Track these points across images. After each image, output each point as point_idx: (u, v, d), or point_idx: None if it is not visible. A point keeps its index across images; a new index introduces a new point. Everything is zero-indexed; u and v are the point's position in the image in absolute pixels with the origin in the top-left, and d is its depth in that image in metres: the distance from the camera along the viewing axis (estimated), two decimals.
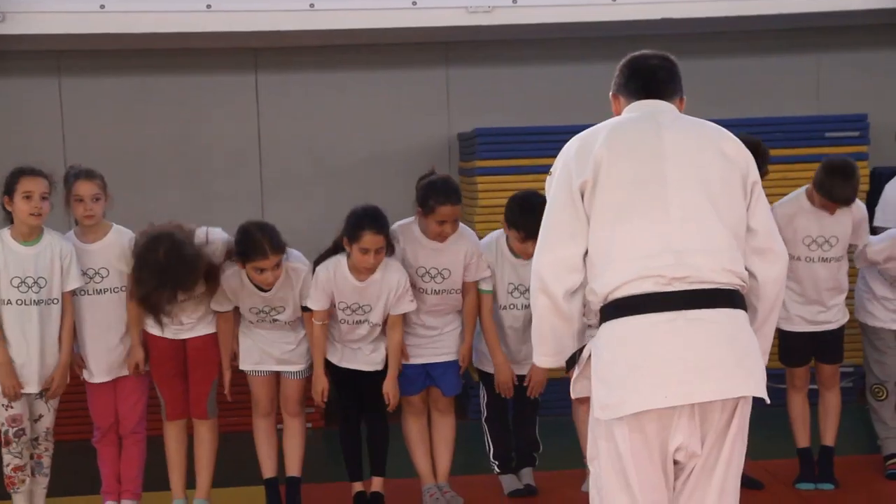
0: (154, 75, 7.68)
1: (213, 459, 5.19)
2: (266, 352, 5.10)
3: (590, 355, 3.07)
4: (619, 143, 3.05)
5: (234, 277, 4.97)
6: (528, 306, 5.13)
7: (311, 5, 6.82)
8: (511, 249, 5.21)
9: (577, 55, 7.84)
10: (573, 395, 3.19)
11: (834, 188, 5.14)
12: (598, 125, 3.17)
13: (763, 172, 5.38)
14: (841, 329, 5.44)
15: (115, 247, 5.05)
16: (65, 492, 5.43)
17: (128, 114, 7.71)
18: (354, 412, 5.25)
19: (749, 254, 3.06)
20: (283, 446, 5.25)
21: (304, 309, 5.05)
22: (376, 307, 5.03)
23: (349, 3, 6.86)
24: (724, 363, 2.91)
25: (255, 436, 5.23)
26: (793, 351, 5.43)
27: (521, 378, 5.35)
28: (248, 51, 7.75)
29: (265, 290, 4.96)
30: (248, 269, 4.87)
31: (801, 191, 5.35)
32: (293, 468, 5.23)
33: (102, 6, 6.63)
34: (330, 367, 5.21)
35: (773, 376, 6.30)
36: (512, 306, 5.26)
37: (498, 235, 5.29)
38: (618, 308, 2.96)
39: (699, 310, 2.92)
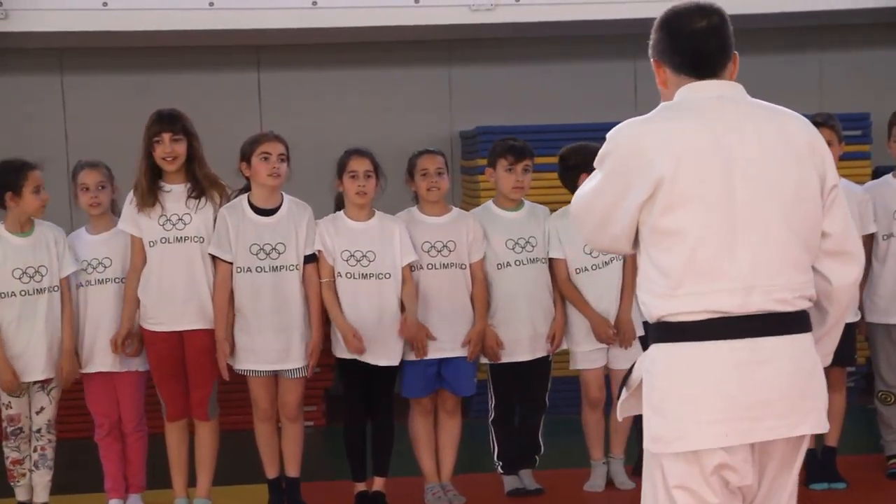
0: (156, 73, 7.68)
1: (214, 459, 5.19)
2: (263, 349, 5.06)
3: (640, 377, 2.83)
4: (682, 155, 2.69)
5: (235, 208, 5.02)
6: (533, 260, 5.30)
7: (314, 3, 6.82)
8: (499, 204, 5.35)
9: (580, 53, 7.84)
10: (620, 416, 2.99)
11: None
12: (653, 118, 2.80)
13: None
14: (851, 329, 5.39)
15: (120, 238, 5.07)
16: (69, 489, 5.43)
17: (130, 111, 7.66)
18: (362, 413, 5.24)
19: (822, 257, 2.81)
20: (281, 448, 5.24)
21: (308, 260, 5.04)
22: (381, 254, 5.05)
23: (352, 2, 6.87)
24: (788, 397, 2.69)
25: (258, 440, 5.23)
26: None
27: (526, 367, 5.32)
28: (250, 49, 7.75)
29: (269, 213, 5.00)
30: (256, 160, 4.98)
31: None
32: (292, 469, 5.22)
33: (105, 3, 6.64)
34: (340, 365, 5.21)
35: None
36: (518, 262, 5.28)
37: (484, 204, 5.48)
38: (675, 332, 2.71)
39: (763, 338, 2.68)
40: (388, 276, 5.09)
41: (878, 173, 6.26)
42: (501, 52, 7.84)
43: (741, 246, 2.67)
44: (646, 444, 2.76)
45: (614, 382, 5.43)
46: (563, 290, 5.34)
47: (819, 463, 5.41)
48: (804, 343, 2.75)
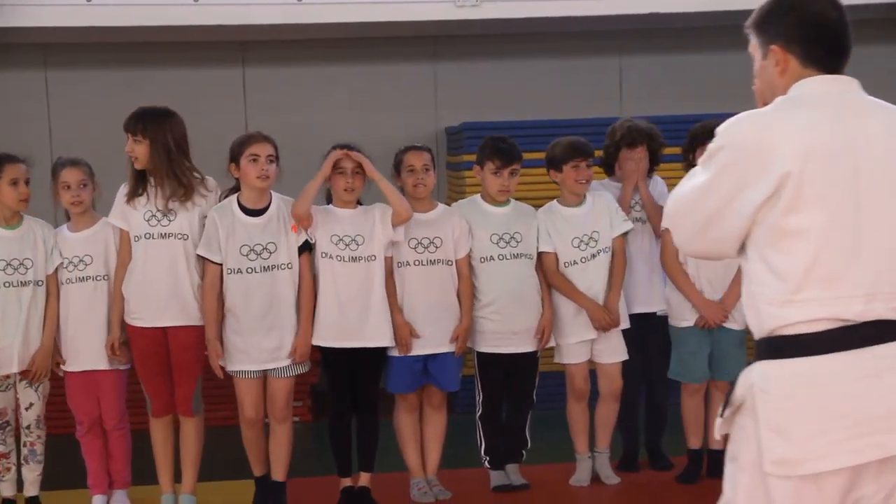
0: (141, 69, 7.65)
1: (199, 456, 5.19)
2: (255, 348, 5.04)
3: (745, 395, 2.62)
4: (811, 151, 2.52)
5: (225, 210, 5.02)
6: (517, 256, 5.31)
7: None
8: (487, 198, 5.38)
9: (566, 49, 7.84)
10: (717, 435, 2.72)
11: None
12: (777, 110, 2.61)
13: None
14: None
15: (101, 235, 5.07)
16: (55, 485, 5.42)
17: (115, 107, 7.58)
18: (346, 410, 5.24)
19: None
20: (269, 449, 5.22)
21: (302, 249, 5.07)
22: (370, 238, 5.10)
23: None
24: None
25: (245, 443, 5.22)
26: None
27: (513, 363, 5.34)
28: (235, 44, 7.73)
29: (258, 214, 5.02)
30: (244, 162, 4.98)
31: None
32: (279, 473, 5.20)
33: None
34: (324, 356, 5.21)
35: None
36: (501, 256, 5.30)
37: (471, 198, 5.53)
38: (792, 346, 2.54)
39: (885, 344, 2.52)
40: (373, 258, 5.12)
41: None
42: (487, 47, 7.84)
43: (865, 251, 2.53)
44: (766, 468, 2.53)
45: (599, 376, 5.47)
46: (554, 282, 5.36)
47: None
48: None
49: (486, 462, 5.46)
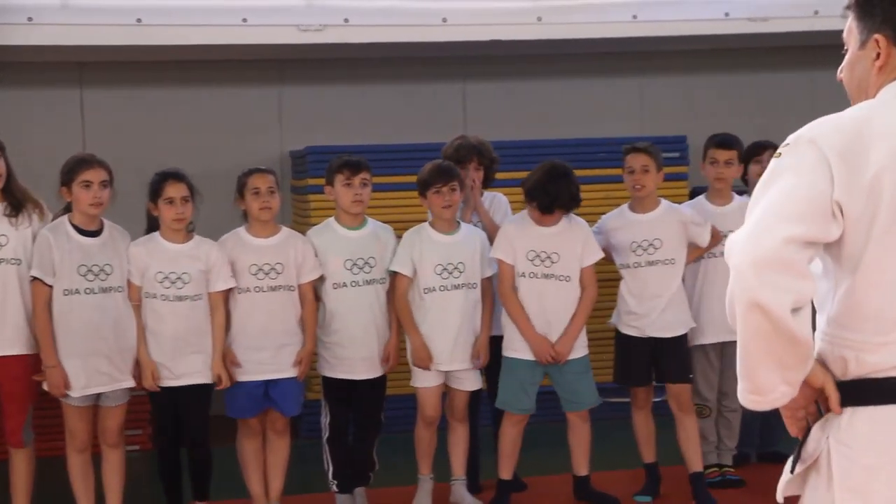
0: None
1: (30, 488, 5.03)
2: (93, 373, 4.90)
3: (819, 449, 2.27)
4: None
5: (58, 230, 4.93)
6: (370, 282, 5.26)
7: (139, 20, 6.69)
8: (341, 221, 5.33)
9: (410, 74, 7.91)
10: (781, 497, 2.37)
11: None
12: (870, 112, 2.22)
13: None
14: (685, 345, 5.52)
15: None
16: None
17: None
18: (171, 437, 5.15)
19: None
20: (101, 478, 5.09)
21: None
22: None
23: (178, 19, 6.75)
24: None
25: (71, 472, 5.06)
26: (633, 368, 5.55)
27: (360, 388, 5.31)
28: (72, 65, 7.55)
29: (93, 235, 4.96)
30: (77, 188, 4.90)
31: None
32: (113, 502, 5.08)
33: None
34: (153, 392, 5.11)
35: (605, 390, 6.51)
36: (354, 283, 5.27)
37: (325, 221, 5.44)
38: (882, 389, 2.16)
39: None
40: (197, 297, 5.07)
41: (694, 194, 6.51)
42: (332, 72, 7.84)
43: None
44: None
45: (453, 399, 5.44)
46: (397, 307, 5.31)
47: (692, 490, 5.43)
48: None
49: (333, 486, 5.41)
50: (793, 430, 2.30)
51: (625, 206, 5.58)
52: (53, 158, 5.19)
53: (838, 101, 2.47)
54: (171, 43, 6.83)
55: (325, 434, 5.40)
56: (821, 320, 2.26)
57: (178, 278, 5.02)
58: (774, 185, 2.17)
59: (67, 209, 5.01)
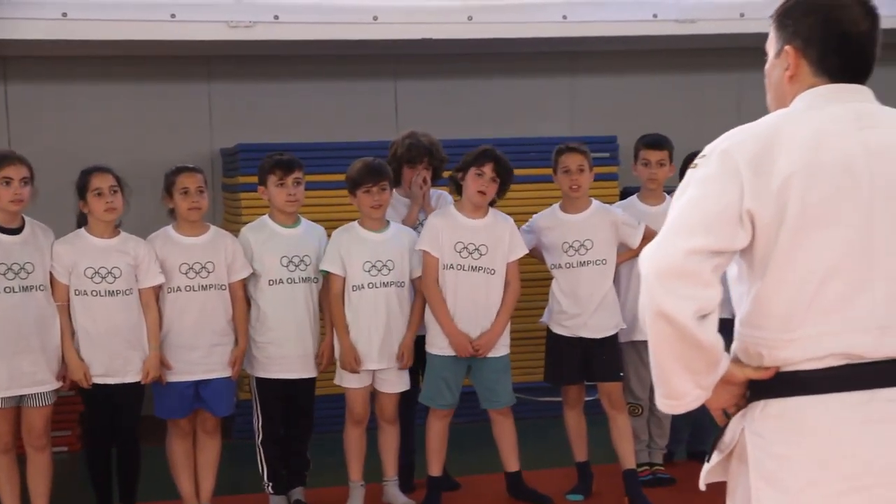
0: None
1: None
2: (15, 373, 4.81)
3: (735, 438, 2.38)
4: (819, 168, 2.25)
5: None
6: (305, 279, 5.26)
7: (64, 14, 6.57)
8: (275, 219, 5.31)
9: (341, 72, 7.88)
10: (703, 484, 2.48)
11: None
12: (780, 120, 2.33)
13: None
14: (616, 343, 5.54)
15: None
16: None
17: None
18: (104, 435, 5.08)
19: None
20: (27, 480, 4.99)
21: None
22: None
23: (104, 14, 6.64)
24: None
25: None
26: (564, 367, 5.54)
27: (292, 386, 5.28)
28: None
29: (14, 233, 4.85)
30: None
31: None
32: None
33: None
34: (85, 390, 5.02)
35: (536, 389, 6.53)
36: (290, 280, 5.25)
37: (260, 218, 5.40)
38: (792, 384, 2.27)
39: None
40: (128, 292, 5.02)
41: (625, 194, 6.57)
42: (262, 69, 7.79)
43: (879, 278, 2.24)
44: None
45: (380, 401, 5.42)
46: (330, 307, 5.30)
47: (626, 487, 5.43)
48: None
49: (269, 488, 5.37)
50: (721, 422, 2.43)
51: (556, 206, 5.60)
52: None
53: (764, 102, 2.55)
54: (98, 38, 6.73)
55: (259, 436, 5.36)
56: (737, 321, 2.36)
57: (109, 273, 4.96)
58: (685, 196, 2.29)
59: None
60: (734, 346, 2.36)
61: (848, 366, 2.25)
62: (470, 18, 7.10)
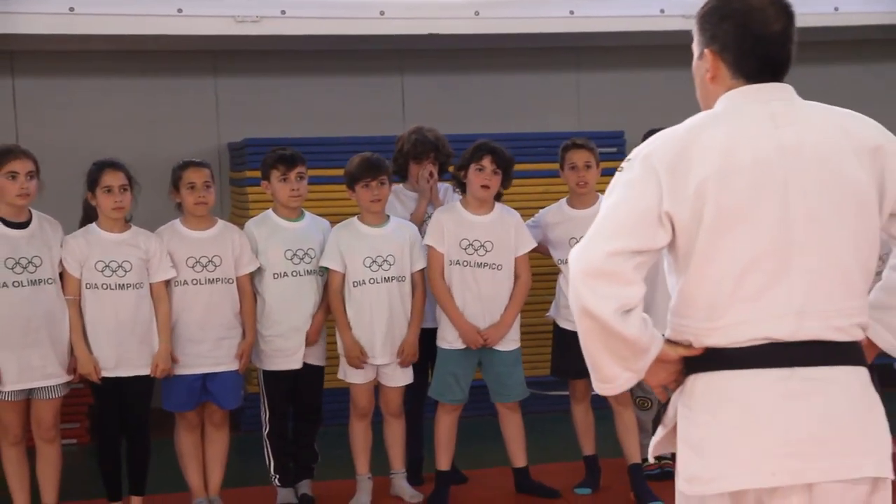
0: None
1: None
2: (26, 367, 4.82)
3: (675, 413, 2.53)
4: (734, 168, 2.37)
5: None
6: (310, 272, 5.27)
7: (71, 9, 6.59)
8: (280, 211, 5.33)
9: (347, 67, 7.88)
10: (652, 456, 2.69)
11: None
12: (698, 125, 2.45)
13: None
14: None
15: None
16: None
17: None
18: (114, 428, 5.09)
19: None
20: (37, 471, 5.01)
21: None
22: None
23: (111, 9, 6.66)
24: (844, 434, 2.37)
25: (5, 467, 4.97)
26: (571, 361, 5.53)
27: (300, 378, 5.30)
28: (4, 54, 7.42)
29: (21, 227, 4.87)
30: (2, 179, 4.81)
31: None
32: (49, 496, 5.01)
33: None
34: (95, 383, 5.04)
35: (544, 383, 6.53)
36: (295, 273, 5.26)
37: (263, 213, 5.44)
38: (717, 359, 2.41)
39: (815, 367, 2.38)
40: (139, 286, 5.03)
41: None
42: (269, 64, 7.80)
43: (796, 268, 2.37)
44: (679, 486, 2.47)
45: (385, 395, 5.43)
46: (330, 302, 5.31)
47: (631, 482, 5.42)
48: (861, 376, 2.43)
49: (276, 480, 5.39)
50: (662, 398, 2.60)
51: (563, 201, 5.60)
52: None
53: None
54: (105, 33, 6.75)
55: (266, 429, 5.37)
56: (668, 311, 2.52)
57: (119, 266, 4.97)
58: (610, 198, 2.45)
59: None
60: (668, 333, 2.50)
61: (770, 344, 2.38)
62: (477, 13, 7.11)
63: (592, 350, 2.43)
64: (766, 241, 2.37)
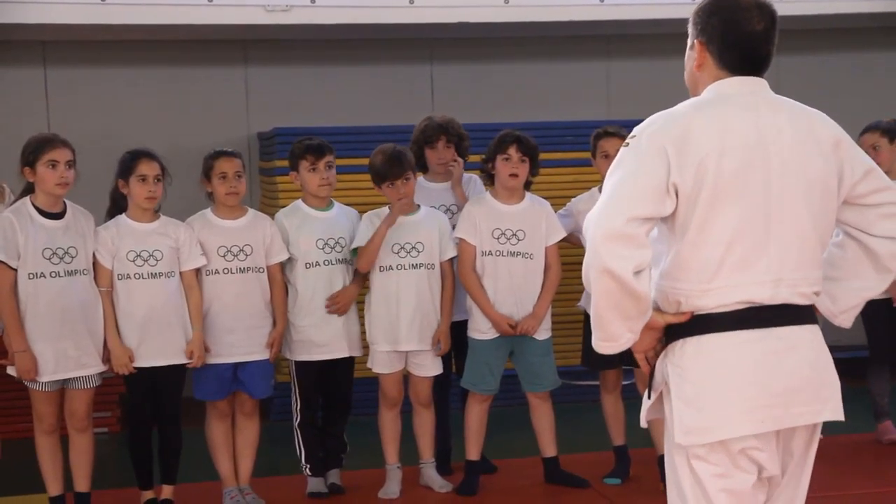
0: None
1: None
2: (61, 357, 4.83)
3: (663, 379, 2.80)
4: (727, 150, 2.68)
5: (21, 212, 4.83)
6: (340, 261, 5.29)
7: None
8: (309, 203, 5.33)
9: (377, 56, 7.88)
10: (644, 421, 2.94)
11: None
12: (694, 106, 2.78)
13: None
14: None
15: None
16: None
17: None
18: (147, 417, 5.12)
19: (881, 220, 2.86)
20: (70, 459, 5.04)
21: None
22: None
23: None
24: (811, 385, 2.75)
25: (40, 455, 4.99)
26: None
27: (330, 368, 5.31)
28: (35, 44, 7.46)
29: (57, 217, 4.89)
30: (42, 168, 4.81)
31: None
32: (81, 484, 5.04)
33: None
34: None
35: (574, 373, 6.52)
36: (326, 262, 5.28)
37: (293, 203, 5.44)
38: (706, 323, 2.72)
39: (789, 327, 2.74)
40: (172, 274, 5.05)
41: None
42: (299, 52, 7.81)
43: (773, 239, 2.71)
44: (676, 438, 2.73)
45: (415, 385, 5.44)
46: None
47: (661, 472, 5.45)
48: (817, 333, 2.81)
49: (306, 470, 5.41)
50: (644, 367, 2.86)
51: (595, 190, 5.58)
52: (19, 137, 5.12)
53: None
54: (136, 22, 6.78)
55: (297, 419, 5.39)
56: (655, 274, 2.77)
57: (151, 255, 4.99)
58: (621, 170, 2.70)
59: (26, 191, 4.94)
60: (653, 296, 2.76)
61: (749, 308, 2.70)
62: (506, 2, 7.09)
63: (605, 309, 2.66)
64: (751, 214, 2.69)
